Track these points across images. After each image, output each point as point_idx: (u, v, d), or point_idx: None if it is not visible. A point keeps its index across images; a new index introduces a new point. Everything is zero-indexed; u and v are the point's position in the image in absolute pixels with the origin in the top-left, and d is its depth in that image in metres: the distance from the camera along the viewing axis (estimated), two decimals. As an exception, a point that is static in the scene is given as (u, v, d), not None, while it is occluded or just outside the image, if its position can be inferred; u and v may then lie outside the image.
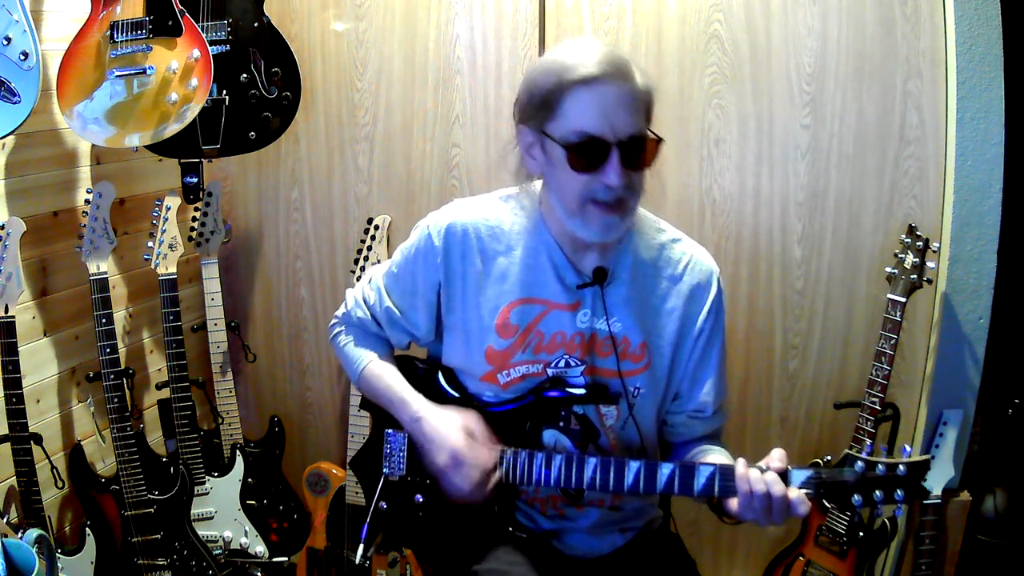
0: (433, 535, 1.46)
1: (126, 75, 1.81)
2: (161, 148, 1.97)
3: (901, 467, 1.14)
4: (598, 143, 1.20)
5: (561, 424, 1.37)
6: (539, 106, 1.24)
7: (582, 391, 1.35)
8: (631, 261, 1.36)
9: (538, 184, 1.38)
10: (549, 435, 1.38)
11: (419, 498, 1.45)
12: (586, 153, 1.20)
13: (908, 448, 1.16)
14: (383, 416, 1.48)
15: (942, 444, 1.93)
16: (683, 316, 1.38)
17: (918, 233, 1.82)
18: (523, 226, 1.38)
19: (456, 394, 1.43)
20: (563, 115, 1.22)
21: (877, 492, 1.15)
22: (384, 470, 1.47)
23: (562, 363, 1.37)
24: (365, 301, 1.53)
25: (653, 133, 1.25)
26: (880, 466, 1.15)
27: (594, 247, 1.34)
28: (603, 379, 1.37)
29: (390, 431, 1.47)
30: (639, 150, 1.22)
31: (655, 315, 1.38)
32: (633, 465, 1.26)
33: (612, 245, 1.35)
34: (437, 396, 1.43)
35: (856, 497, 1.15)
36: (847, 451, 1.15)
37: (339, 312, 1.58)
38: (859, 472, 1.16)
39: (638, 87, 1.21)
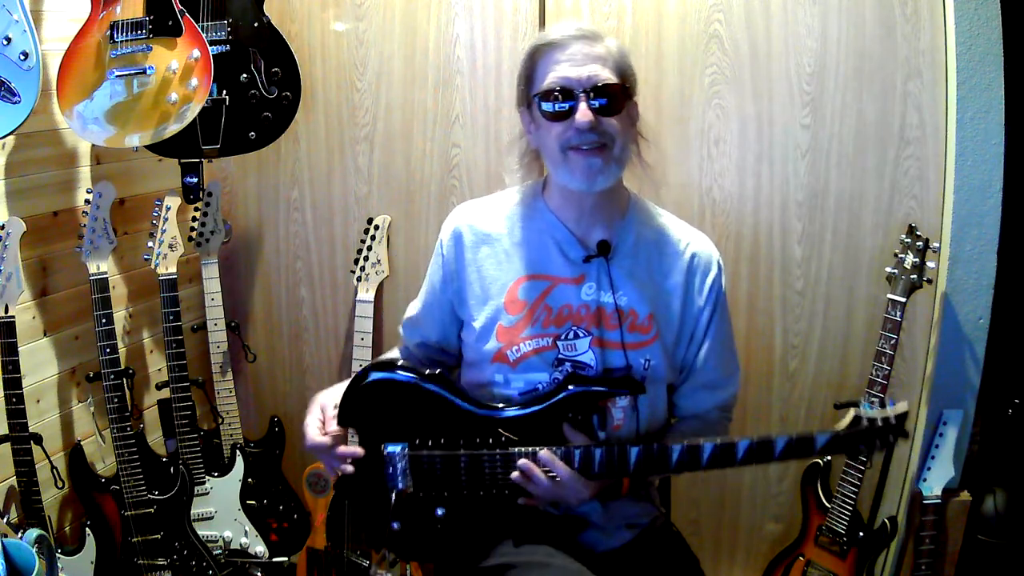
0: (454, 546, 1.43)
1: (126, 75, 1.80)
2: (161, 148, 1.97)
3: (892, 417, 1.29)
4: (566, 92, 1.31)
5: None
6: (523, 81, 1.38)
7: (602, 389, 1.36)
8: (634, 238, 1.43)
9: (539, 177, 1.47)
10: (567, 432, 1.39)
11: (440, 511, 1.40)
12: (557, 101, 1.32)
13: (893, 401, 1.32)
14: (373, 432, 1.41)
15: (942, 444, 1.93)
16: (685, 293, 1.43)
17: (918, 233, 1.82)
18: (527, 211, 1.47)
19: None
20: (538, 76, 1.35)
21: (877, 441, 1.29)
22: (391, 486, 1.41)
23: (570, 335, 1.40)
24: (418, 307, 1.61)
25: (626, 91, 1.35)
26: (878, 421, 1.29)
27: (598, 221, 1.41)
28: (611, 351, 1.40)
29: (390, 447, 1.40)
30: (608, 96, 1.31)
31: (660, 290, 1.43)
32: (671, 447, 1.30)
33: (615, 221, 1.42)
34: None
35: (861, 446, 1.30)
36: (855, 412, 1.28)
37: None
38: (865, 428, 1.29)
39: (608, 47, 1.34)
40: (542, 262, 1.43)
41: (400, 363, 1.42)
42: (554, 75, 1.32)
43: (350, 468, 1.39)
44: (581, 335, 1.40)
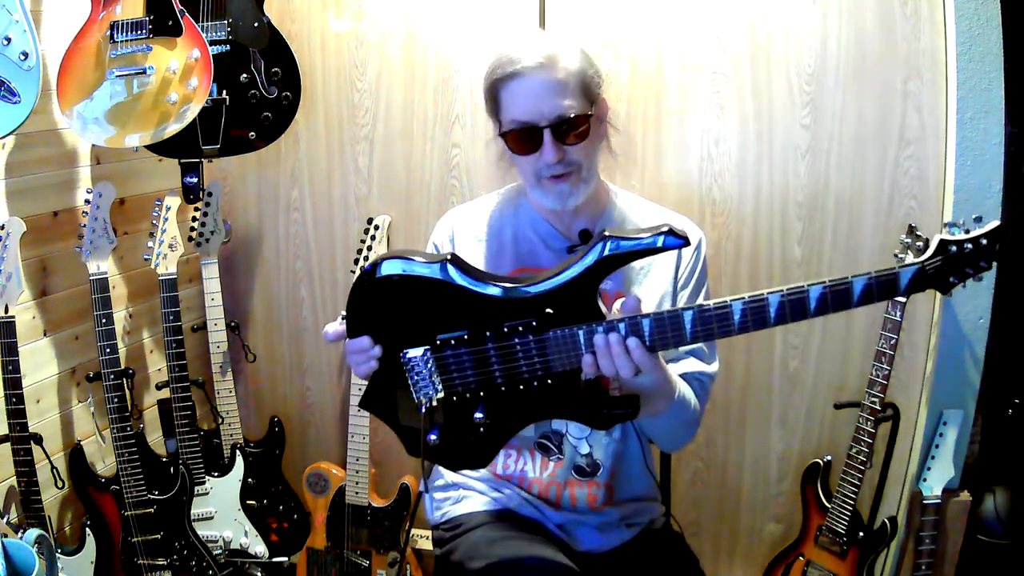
0: (494, 450, 1.32)
1: (126, 75, 1.81)
2: (161, 148, 1.97)
3: (983, 239, 1.13)
4: (531, 128, 1.33)
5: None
6: (489, 101, 1.41)
7: (639, 245, 1.17)
8: (617, 225, 1.47)
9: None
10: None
11: (480, 415, 1.27)
12: (522, 138, 1.35)
13: (980, 218, 1.16)
14: (392, 337, 1.29)
15: (942, 444, 1.94)
16: (674, 272, 1.46)
17: (918, 233, 1.82)
18: (511, 210, 1.53)
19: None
20: (503, 108, 1.37)
21: (968, 268, 1.15)
22: (420, 397, 1.29)
23: None
24: None
25: (590, 108, 1.35)
26: (967, 244, 1.14)
27: (579, 214, 1.44)
28: None
29: (410, 353, 1.27)
30: (571, 128, 1.33)
31: (645, 271, 1.45)
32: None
33: (596, 211, 1.46)
34: None
35: (952, 279, 1.15)
36: (941, 237, 1.13)
37: None
38: (954, 254, 1.14)
39: (568, 70, 1.33)
40: (529, 255, 1.47)
41: (405, 253, 1.28)
42: (518, 110, 1.34)
43: (375, 364, 1.29)
44: None
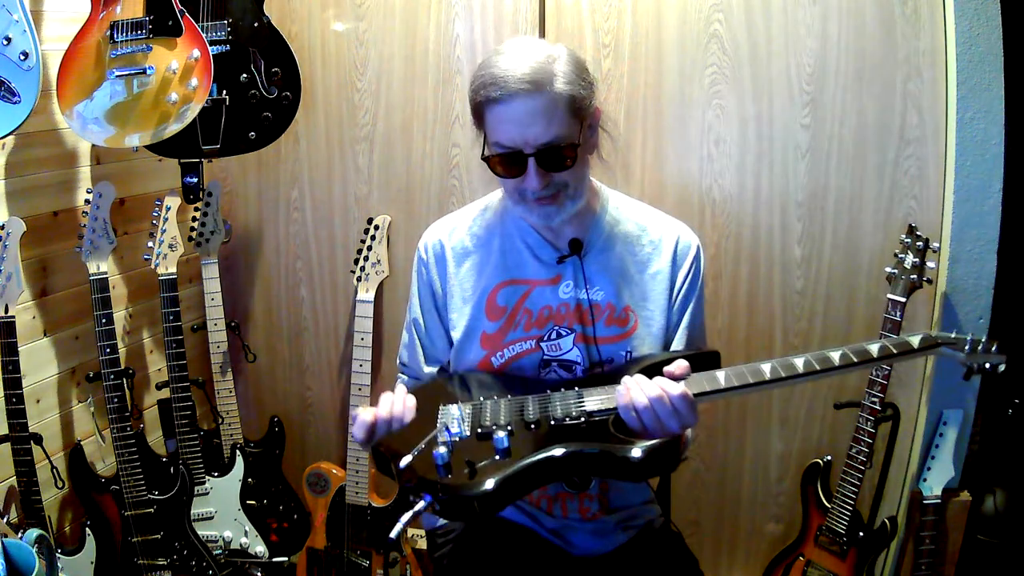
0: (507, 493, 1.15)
1: (126, 75, 1.81)
2: (161, 148, 1.97)
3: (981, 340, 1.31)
4: (515, 154, 1.29)
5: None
6: (474, 115, 1.35)
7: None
8: (607, 232, 1.44)
9: None
10: None
11: (502, 443, 1.17)
12: (506, 164, 1.31)
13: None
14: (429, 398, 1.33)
15: (942, 444, 1.94)
16: (670, 278, 1.44)
17: (918, 233, 1.83)
18: (497, 219, 1.48)
19: None
20: (488, 128, 1.32)
21: (980, 346, 1.33)
22: (440, 426, 1.22)
23: (553, 335, 1.41)
24: (409, 343, 1.56)
25: (579, 136, 1.30)
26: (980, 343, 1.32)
27: (569, 224, 1.41)
28: (596, 346, 1.40)
29: (450, 405, 1.30)
30: (557, 155, 1.28)
31: (639, 280, 1.43)
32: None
33: (586, 219, 1.43)
34: None
35: (966, 353, 1.32)
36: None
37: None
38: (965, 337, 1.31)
39: (556, 94, 1.26)
40: (517, 267, 1.44)
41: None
42: (502, 135, 1.28)
43: (407, 416, 1.27)
44: (564, 333, 1.41)
